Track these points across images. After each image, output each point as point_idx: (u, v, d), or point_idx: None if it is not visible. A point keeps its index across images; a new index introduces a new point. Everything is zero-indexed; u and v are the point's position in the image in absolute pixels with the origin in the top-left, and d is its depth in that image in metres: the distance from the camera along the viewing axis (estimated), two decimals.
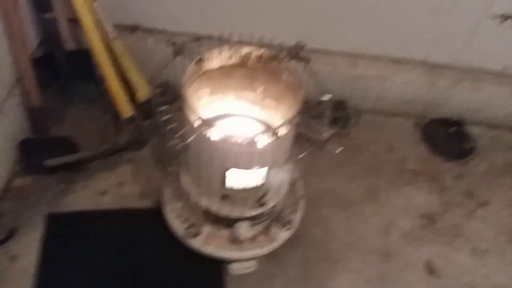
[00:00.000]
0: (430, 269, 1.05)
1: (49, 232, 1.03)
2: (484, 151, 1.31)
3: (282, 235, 0.99)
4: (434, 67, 1.29)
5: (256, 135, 0.73)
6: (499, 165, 1.29)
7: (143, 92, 1.20)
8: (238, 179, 0.84)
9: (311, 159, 1.20)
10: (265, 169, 0.82)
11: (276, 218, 1.00)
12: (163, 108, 0.74)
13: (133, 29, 1.26)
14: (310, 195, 1.11)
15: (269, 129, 0.77)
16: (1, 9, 0.93)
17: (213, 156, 0.76)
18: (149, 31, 1.26)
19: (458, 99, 1.32)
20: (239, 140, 0.74)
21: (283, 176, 0.94)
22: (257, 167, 0.79)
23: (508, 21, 1.15)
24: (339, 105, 1.31)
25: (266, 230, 0.99)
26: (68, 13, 1.15)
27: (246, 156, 0.75)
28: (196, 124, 0.74)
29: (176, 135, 0.72)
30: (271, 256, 1.02)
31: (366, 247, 1.07)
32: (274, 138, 0.74)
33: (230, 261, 0.99)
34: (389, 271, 1.04)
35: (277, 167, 0.84)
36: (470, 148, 1.29)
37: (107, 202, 1.09)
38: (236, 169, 0.80)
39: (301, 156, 0.76)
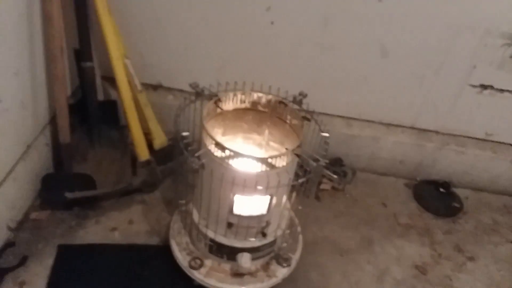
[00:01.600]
0: None
1: (59, 262, 1.07)
2: (471, 211, 1.40)
3: (281, 271, 1.04)
4: (422, 131, 1.43)
5: (262, 159, 0.84)
6: (486, 224, 1.37)
7: (160, 140, 1.33)
8: (244, 206, 0.93)
9: (310, 209, 1.30)
10: (268, 198, 0.92)
11: (276, 256, 1.07)
12: (185, 134, 0.85)
13: (156, 87, 1.43)
14: (308, 241, 1.18)
15: (275, 155, 0.87)
16: (49, 52, 1.11)
17: (222, 179, 0.87)
18: (169, 89, 1.43)
19: (445, 162, 1.44)
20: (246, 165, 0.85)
21: (284, 212, 1.02)
22: (261, 193, 0.89)
23: (486, 91, 1.32)
24: (336, 162, 1.43)
25: (266, 266, 1.05)
26: (101, 71, 1.34)
27: (252, 180, 0.85)
28: (211, 147, 0.86)
29: (195, 155, 0.83)
30: None
31: None
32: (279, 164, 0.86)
33: None
34: None
35: (279, 195, 0.93)
36: (458, 207, 1.39)
37: (117, 238, 1.16)
38: (243, 195, 0.90)
39: (300, 181, 0.85)
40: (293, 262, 1.07)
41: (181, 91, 1.43)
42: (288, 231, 1.07)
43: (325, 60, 1.30)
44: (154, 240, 1.16)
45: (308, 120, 0.98)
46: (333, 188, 1.40)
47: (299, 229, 1.15)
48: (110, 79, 1.30)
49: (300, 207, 1.02)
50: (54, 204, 1.18)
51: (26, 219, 1.15)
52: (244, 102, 1.01)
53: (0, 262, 1.04)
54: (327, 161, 0.88)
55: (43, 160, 1.23)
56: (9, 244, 1.08)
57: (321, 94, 1.36)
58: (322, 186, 1.39)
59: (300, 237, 1.14)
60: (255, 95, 1.00)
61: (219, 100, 0.97)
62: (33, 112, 1.15)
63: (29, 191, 1.18)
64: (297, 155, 0.89)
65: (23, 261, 1.06)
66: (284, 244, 1.06)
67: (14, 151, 1.10)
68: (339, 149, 1.44)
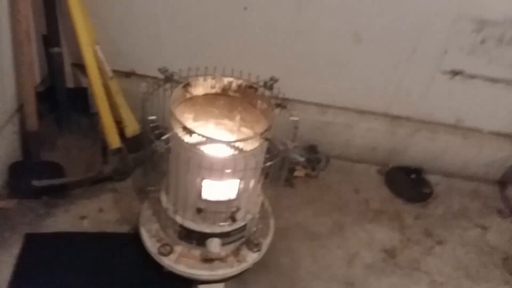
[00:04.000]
0: None
1: (26, 251, 1.06)
2: (441, 196, 1.43)
3: (251, 256, 1.05)
4: (394, 118, 1.45)
5: (230, 142, 0.83)
6: (455, 209, 1.40)
7: (132, 128, 1.32)
8: (212, 191, 0.93)
9: (283, 196, 1.31)
10: (237, 182, 0.92)
11: (246, 241, 1.07)
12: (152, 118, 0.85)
13: (129, 74, 1.41)
14: (280, 227, 1.19)
15: (242, 139, 0.87)
16: (15, 38, 1.08)
17: (189, 163, 0.86)
18: (143, 77, 1.41)
19: (417, 148, 1.46)
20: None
21: (254, 197, 1.03)
22: (229, 178, 0.88)
23: (458, 76, 1.33)
24: (310, 149, 1.44)
25: (236, 251, 1.05)
26: (71, 58, 1.31)
27: (219, 164, 0.85)
28: (178, 130, 0.85)
29: (161, 138, 0.82)
30: (240, 281, 1.06)
31: (331, 276, 1.13)
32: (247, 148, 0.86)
33: (200, 282, 1.03)
34: None
35: (248, 180, 0.93)
36: (429, 192, 1.41)
37: (86, 227, 1.15)
38: (211, 180, 0.89)
39: (268, 164, 0.85)
40: (264, 247, 1.08)
41: (155, 78, 1.41)
42: (258, 216, 1.07)
43: (299, 46, 1.30)
44: (124, 228, 1.15)
45: (283, 107, 0.98)
46: (306, 175, 1.41)
47: (270, 215, 1.16)
48: (80, 67, 1.27)
49: (272, 192, 1.02)
50: (22, 193, 1.16)
51: None
52: (215, 87, 1.00)
53: None
54: (295, 144, 0.89)
55: (11, 148, 1.20)
56: None
57: (295, 81, 1.36)
58: (296, 173, 1.40)
59: (272, 222, 1.14)
60: (226, 80, 0.99)
61: (189, 84, 0.96)
62: (0, 99, 1.12)
63: None
64: (266, 139, 0.89)
65: None
66: (254, 229, 1.06)
67: None
68: (314, 136, 1.45)
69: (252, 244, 1.06)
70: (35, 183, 1.12)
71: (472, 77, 1.35)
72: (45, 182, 1.14)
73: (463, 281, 1.18)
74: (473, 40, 1.27)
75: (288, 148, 0.87)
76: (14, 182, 1.17)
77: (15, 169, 1.17)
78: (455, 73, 1.33)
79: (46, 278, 1.02)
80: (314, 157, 1.42)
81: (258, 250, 1.06)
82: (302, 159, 0.86)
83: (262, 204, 1.13)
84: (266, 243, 1.09)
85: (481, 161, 1.49)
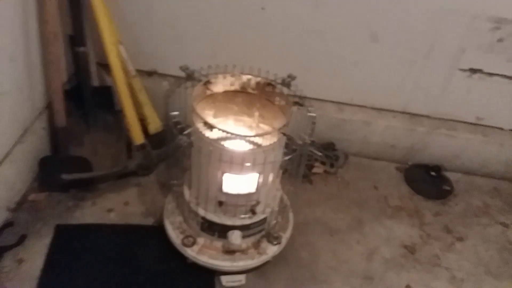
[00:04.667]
0: None
1: (56, 241, 1.11)
2: (461, 194, 1.42)
3: (271, 249, 1.07)
4: (413, 116, 1.45)
5: (249, 137, 0.86)
6: (475, 206, 1.39)
7: (155, 125, 1.36)
8: (233, 185, 0.96)
9: (302, 192, 1.33)
10: (257, 176, 0.94)
11: (266, 234, 1.09)
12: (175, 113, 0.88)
13: (150, 73, 1.46)
14: (300, 222, 1.21)
15: (261, 133, 0.90)
16: (43, 38, 1.13)
17: (210, 157, 0.89)
18: (164, 76, 1.45)
19: (436, 146, 1.46)
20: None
21: (273, 191, 1.05)
22: (249, 171, 0.91)
23: (476, 75, 1.33)
24: (328, 146, 1.45)
25: (256, 244, 1.08)
26: (96, 57, 1.36)
27: (239, 158, 0.88)
28: (200, 125, 0.88)
29: (184, 133, 0.86)
30: (260, 274, 1.09)
31: (350, 271, 1.14)
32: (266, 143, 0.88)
33: (221, 273, 1.06)
34: None
35: (267, 174, 0.96)
36: (449, 190, 1.41)
37: (113, 219, 1.19)
38: (231, 174, 0.92)
39: (287, 158, 0.88)
40: (284, 241, 1.10)
41: (176, 77, 1.45)
42: (277, 209, 1.09)
43: (316, 45, 1.32)
44: (149, 221, 1.19)
45: (300, 105, 1.00)
46: (325, 172, 1.43)
47: (290, 209, 1.18)
48: (105, 66, 1.32)
49: (291, 187, 1.04)
50: (52, 186, 1.21)
51: (25, 201, 1.18)
52: (234, 84, 1.03)
53: None
54: (313, 139, 0.91)
55: (40, 143, 1.26)
56: (8, 224, 1.11)
57: (312, 79, 1.38)
58: (315, 170, 1.42)
59: (291, 216, 1.16)
60: (245, 78, 1.02)
61: (209, 82, 1.00)
62: (30, 97, 1.18)
63: (27, 174, 1.21)
64: (284, 134, 0.91)
65: (21, 240, 1.09)
66: (274, 222, 1.08)
67: (12, 134, 1.13)
68: (332, 133, 1.46)
69: (272, 237, 1.08)
70: (64, 176, 1.17)
71: (491, 75, 1.34)
72: (73, 176, 1.18)
73: (483, 277, 1.18)
74: (491, 39, 1.27)
75: (306, 142, 0.89)
76: (44, 176, 1.22)
77: (44, 164, 1.23)
78: (473, 71, 1.33)
79: (75, 266, 1.06)
80: (332, 154, 1.43)
81: (278, 243, 1.08)
82: (319, 154, 0.88)
83: (281, 199, 1.15)
84: (285, 236, 1.11)
85: (502, 158, 1.48)
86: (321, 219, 1.27)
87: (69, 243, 1.11)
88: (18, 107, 1.14)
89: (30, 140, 1.19)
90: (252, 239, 1.08)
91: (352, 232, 1.25)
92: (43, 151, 1.27)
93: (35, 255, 1.07)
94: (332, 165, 1.43)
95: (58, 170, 1.18)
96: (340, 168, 1.44)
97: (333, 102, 1.45)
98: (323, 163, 1.43)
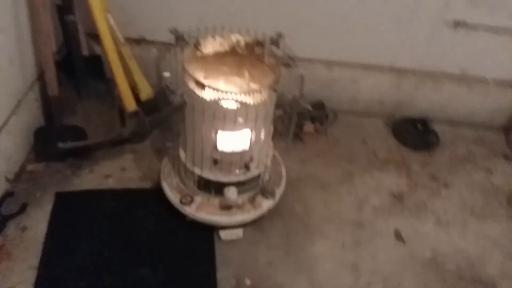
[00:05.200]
0: (399, 237, 1.17)
1: (57, 207, 1.14)
2: (447, 144, 1.48)
3: (266, 203, 1.12)
4: (400, 71, 1.48)
5: (240, 93, 0.89)
6: (460, 155, 1.45)
7: (146, 92, 1.37)
8: (227, 143, 0.99)
9: (294, 150, 1.37)
10: (249, 132, 0.98)
11: (261, 190, 1.14)
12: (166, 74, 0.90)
13: (139, 41, 1.45)
14: (292, 178, 1.26)
15: (252, 90, 0.92)
16: (32, 8, 1.13)
17: (204, 115, 0.92)
18: (153, 42, 1.45)
19: (423, 99, 1.50)
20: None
21: (265, 148, 1.09)
22: (242, 128, 0.94)
23: (460, 27, 1.35)
24: (318, 105, 1.48)
25: (252, 199, 1.13)
26: (85, 28, 1.36)
27: (232, 114, 0.91)
28: (192, 85, 0.91)
29: (177, 93, 0.88)
30: (256, 227, 1.14)
31: (342, 219, 1.20)
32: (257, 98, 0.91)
33: (220, 228, 1.11)
34: (362, 238, 1.16)
35: (259, 130, 0.99)
36: (435, 141, 1.46)
37: (111, 184, 1.22)
38: (224, 131, 0.96)
39: (278, 113, 0.91)
40: (278, 195, 1.15)
41: (164, 43, 1.45)
42: (270, 165, 1.13)
43: (303, 2, 1.33)
44: (146, 184, 1.23)
45: (289, 65, 1.02)
46: (315, 130, 1.46)
47: (282, 166, 1.22)
48: (94, 36, 1.32)
49: (283, 145, 1.07)
50: (48, 156, 1.24)
51: (23, 171, 1.21)
52: (223, 45, 1.05)
53: (1, 211, 1.10)
54: (303, 95, 0.94)
55: (34, 114, 1.27)
56: (8, 194, 1.15)
57: (301, 39, 1.38)
58: (305, 129, 1.45)
59: (284, 172, 1.21)
60: (233, 38, 1.04)
61: (198, 43, 1.01)
62: (21, 68, 1.19)
63: (24, 145, 1.23)
64: (274, 90, 0.94)
65: (23, 208, 1.13)
66: (267, 178, 1.12)
67: (5, 106, 1.15)
68: (321, 92, 1.49)
69: (266, 192, 1.13)
70: (61, 145, 1.19)
71: (474, 26, 1.36)
72: (69, 144, 1.21)
73: (468, 219, 1.24)
74: None
75: (296, 97, 0.92)
76: (40, 146, 1.24)
77: (40, 134, 1.25)
78: (457, 23, 1.35)
79: (78, 230, 1.11)
80: (322, 112, 1.46)
81: (273, 197, 1.13)
82: (308, 107, 0.90)
83: (274, 157, 1.19)
84: (279, 191, 1.16)
85: (486, 108, 1.52)
86: (312, 174, 1.32)
87: (70, 209, 1.15)
88: (10, 79, 1.14)
89: (24, 111, 1.21)
90: (247, 195, 1.12)
91: (342, 184, 1.30)
92: (38, 122, 1.29)
93: (37, 222, 1.10)
94: (322, 123, 1.46)
95: (54, 140, 1.20)
96: (330, 126, 1.48)
97: (321, 61, 1.46)
98: (313, 121, 1.46)
